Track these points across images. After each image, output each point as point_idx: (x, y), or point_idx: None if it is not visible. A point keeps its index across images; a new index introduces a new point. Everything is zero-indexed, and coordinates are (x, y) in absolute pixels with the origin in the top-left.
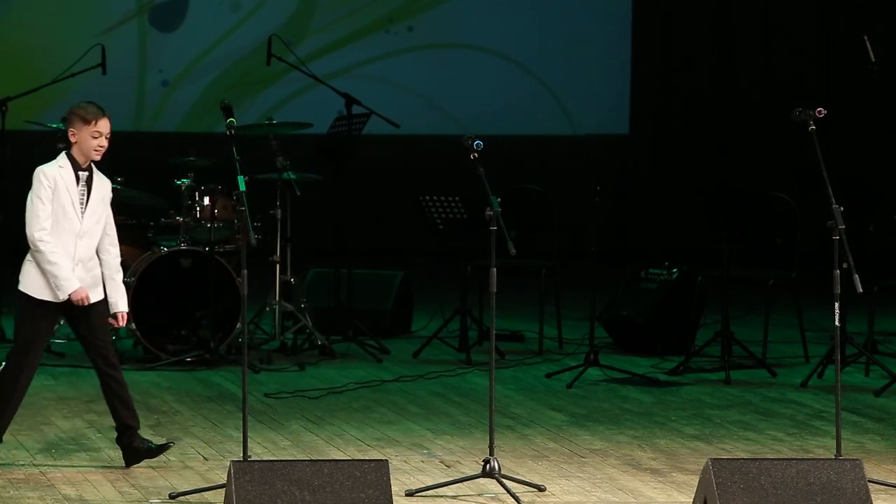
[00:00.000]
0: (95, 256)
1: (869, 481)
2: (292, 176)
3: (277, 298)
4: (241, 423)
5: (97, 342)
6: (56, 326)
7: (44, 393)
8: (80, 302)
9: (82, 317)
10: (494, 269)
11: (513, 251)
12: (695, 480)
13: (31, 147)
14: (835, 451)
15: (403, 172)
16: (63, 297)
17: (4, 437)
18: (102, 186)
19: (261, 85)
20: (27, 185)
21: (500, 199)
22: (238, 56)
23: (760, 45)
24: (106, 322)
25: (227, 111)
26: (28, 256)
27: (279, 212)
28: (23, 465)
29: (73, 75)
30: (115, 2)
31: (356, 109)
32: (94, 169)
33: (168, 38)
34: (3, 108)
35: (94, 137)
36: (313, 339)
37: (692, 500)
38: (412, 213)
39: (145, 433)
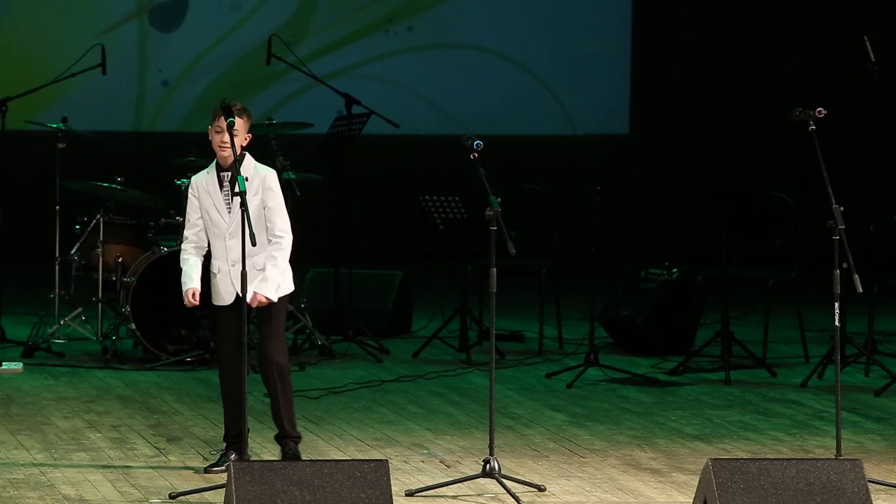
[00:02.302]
0: (271, 255)
1: (869, 481)
2: (292, 176)
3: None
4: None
5: (261, 340)
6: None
7: (44, 393)
8: (189, 304)
9: (256, 315)
10: (494, 269)
11: (512, 251)
12: (695, 480)
13: (31, 147)
14: (835, 451)
15: (403, 172)
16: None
17: (4, 437)
18: (253, 183)
19: (261, 85)
20: (27, 184)
21: (499, 199)
22: (238, 56)
23: (760, 46)
24: (273, 322)
25: (227, 111)
26: None
27: None
28: (23, 465)
29: (73, 75)
30: (115, 2)
31: (356, 109)
32: (249, 165)
33: (168, 38)
34: (3, 108)
35: (216, 133)
36: (313, 339)
37: (692, 500)
38: (412, 213)
39: (145, 433)
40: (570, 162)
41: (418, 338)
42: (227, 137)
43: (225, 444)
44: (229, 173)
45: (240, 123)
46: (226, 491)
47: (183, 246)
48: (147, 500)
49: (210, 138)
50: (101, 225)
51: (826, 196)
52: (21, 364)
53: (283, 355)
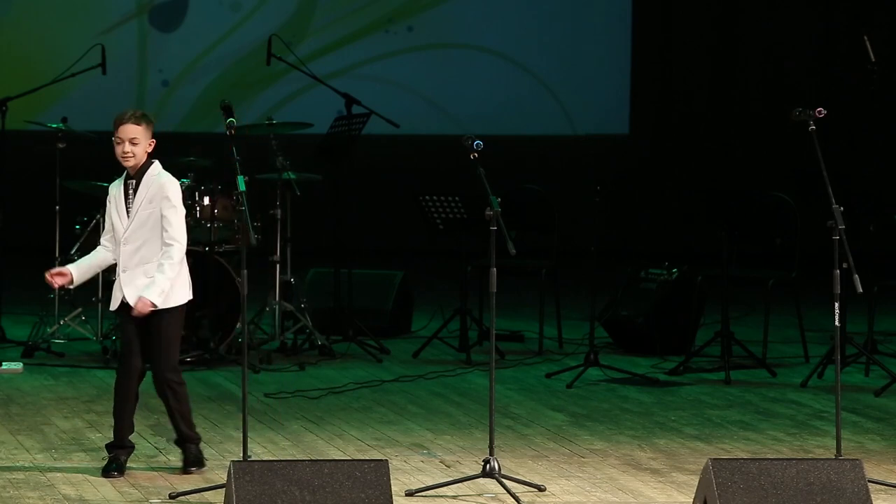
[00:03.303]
0: (154, 262)
1: (869, 481)
2: (292, 176)
3: (277, 298)
4: (241, 423)
5: (151, 355)
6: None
7: (44, 393)
8: (48, 280)
9: (144, 323)
10: (494, 269)
11: (512, 251)
12: (695, 480)
13: (31, 147)
14: (835, 451)
15: (403, 172)
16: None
17: (4, 437)
18: (149, 189)
19: (261, 85)
20: (27, 184)
21: (499, 199)
22: (238, 56)
23: (761, 45)
24: (163, 336)
25: (227, 111)
26: None
27: (279, 212)
28: (23, 465)
29: (73, 75)
30: (115, 2)
31: (356, 109)
32: (149, 173)
33: (168, 38)
34: (3, 108)
35: (117, 144)
36: (313, 339)
37: (692, 500)
38: (412, 213)
39: (145, 433)
40: (570, 162)
41: (418, 338)
42: (127, 148)
43: (113, 450)
44: (134, 181)
45: (139, 130)
46: (226, 491)
47: (99, 250)
48: (147, 500)
49: (115, 148)
50: (101, 225)
51: (826, 196)
52: (21, 364)
53: (174, 370)
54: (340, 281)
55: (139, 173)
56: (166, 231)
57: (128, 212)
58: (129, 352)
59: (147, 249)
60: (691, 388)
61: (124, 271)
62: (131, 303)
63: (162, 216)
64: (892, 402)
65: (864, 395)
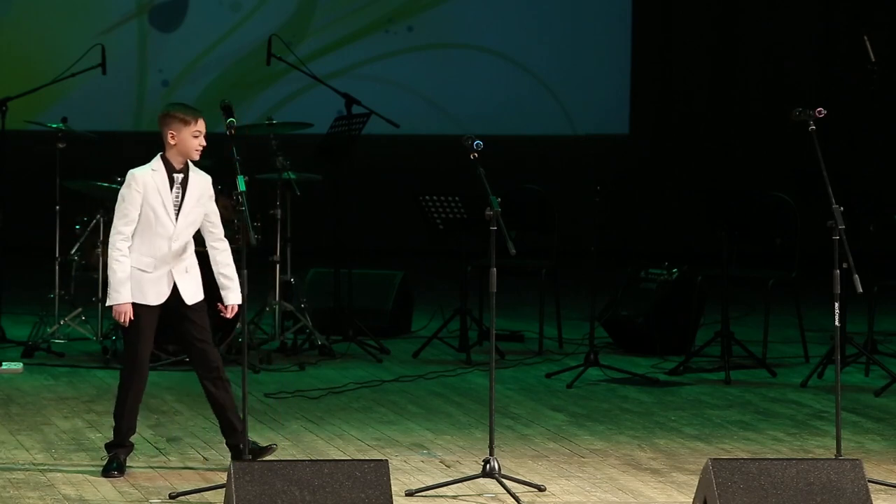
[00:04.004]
0: (194, 257)
1: (869, 481)
2: (292, 176)
3: (277, 298)
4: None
5: (196, 345)
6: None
7: (44, 393)
8: (119, 318)
9: (182, 319)
10: (494, 269)
11: (513, 251)
12: (695, 480)
13: (31, 147)
14: (835, 451)
15: (403, 172)
16: (108, 304)
17: (4, 437)
18: (199, 187)
19: (261, 85)
20: (27, 184)
21: (499, 199)
22: (238, 56)
23: (761, 45)
24: (205, 325)
25: (227, 111)
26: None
27: (279, 212)
28: (23, 465)
29: (73, 75)
30: (115, 2)
31: (356, 109)
32: (192, 169)
33: (168, 38)
34: (3, 108)
35: (195, 137)
36: (313, 339)
37: (692, 500)
38: (412, 213)
39: (145, 433)
40: (570, 162)
41: (418, 338)
42: (203, 141)
43: (113, 449)
44: (181, 175)
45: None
46: (226, 491)
47: (119, 244)
48: (147, 500)
49: (177, 141)
50: (101, 225)
51: (826, 196)
52: (21, 364)
53: None
54: (340, 281)
55: (185, 168)
56: (217, 227)
57: (177, 208)
58: (146, 355)
59: (189, 245)
60: (691, 388)
61: (175, 266)
62: (189, 302)
63: (211, 213)
64: (892, 402)
65: (864, 395)
